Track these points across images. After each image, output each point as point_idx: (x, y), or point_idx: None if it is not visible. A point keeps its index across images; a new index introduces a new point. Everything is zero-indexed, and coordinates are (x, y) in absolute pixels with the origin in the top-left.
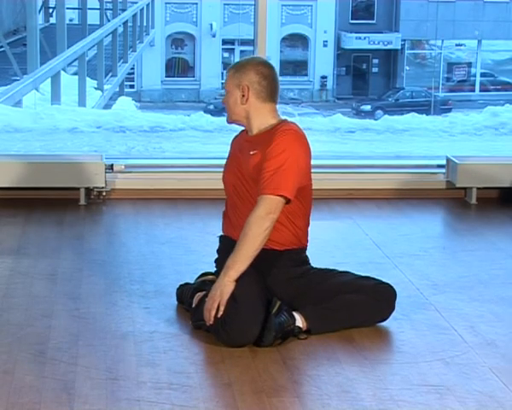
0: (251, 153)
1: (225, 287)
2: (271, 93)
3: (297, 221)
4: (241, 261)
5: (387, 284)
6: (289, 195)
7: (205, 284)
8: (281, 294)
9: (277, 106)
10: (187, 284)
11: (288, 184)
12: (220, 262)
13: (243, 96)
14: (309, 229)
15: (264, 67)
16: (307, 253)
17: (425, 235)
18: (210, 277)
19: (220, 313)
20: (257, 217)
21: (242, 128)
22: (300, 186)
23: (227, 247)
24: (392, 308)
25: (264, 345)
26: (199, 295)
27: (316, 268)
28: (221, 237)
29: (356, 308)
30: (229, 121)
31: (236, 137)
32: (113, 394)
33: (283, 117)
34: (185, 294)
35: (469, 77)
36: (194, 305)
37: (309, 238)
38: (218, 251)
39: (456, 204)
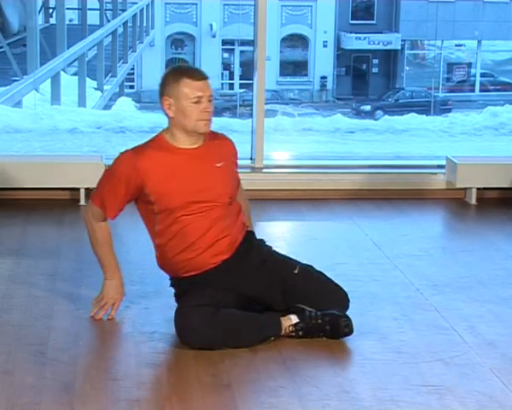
0: (218, 165)
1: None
2: None
3: None
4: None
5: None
6: None
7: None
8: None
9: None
10: None
11: None
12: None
13: None
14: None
15: None
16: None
17: (425, 235)
18: None
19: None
20: None
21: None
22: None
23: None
24: (345, 308)
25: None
26: None
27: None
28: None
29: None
30: (208, 129)
31: (140, 156)
32: (113, 394)
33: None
34: None
35: (469, 77)
36: None
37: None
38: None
39: (455, 204)
